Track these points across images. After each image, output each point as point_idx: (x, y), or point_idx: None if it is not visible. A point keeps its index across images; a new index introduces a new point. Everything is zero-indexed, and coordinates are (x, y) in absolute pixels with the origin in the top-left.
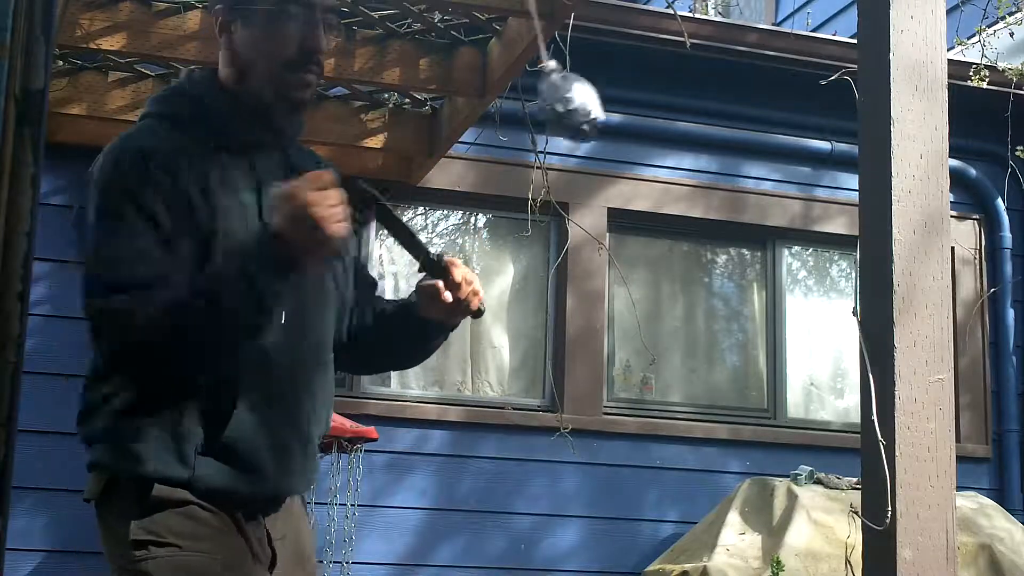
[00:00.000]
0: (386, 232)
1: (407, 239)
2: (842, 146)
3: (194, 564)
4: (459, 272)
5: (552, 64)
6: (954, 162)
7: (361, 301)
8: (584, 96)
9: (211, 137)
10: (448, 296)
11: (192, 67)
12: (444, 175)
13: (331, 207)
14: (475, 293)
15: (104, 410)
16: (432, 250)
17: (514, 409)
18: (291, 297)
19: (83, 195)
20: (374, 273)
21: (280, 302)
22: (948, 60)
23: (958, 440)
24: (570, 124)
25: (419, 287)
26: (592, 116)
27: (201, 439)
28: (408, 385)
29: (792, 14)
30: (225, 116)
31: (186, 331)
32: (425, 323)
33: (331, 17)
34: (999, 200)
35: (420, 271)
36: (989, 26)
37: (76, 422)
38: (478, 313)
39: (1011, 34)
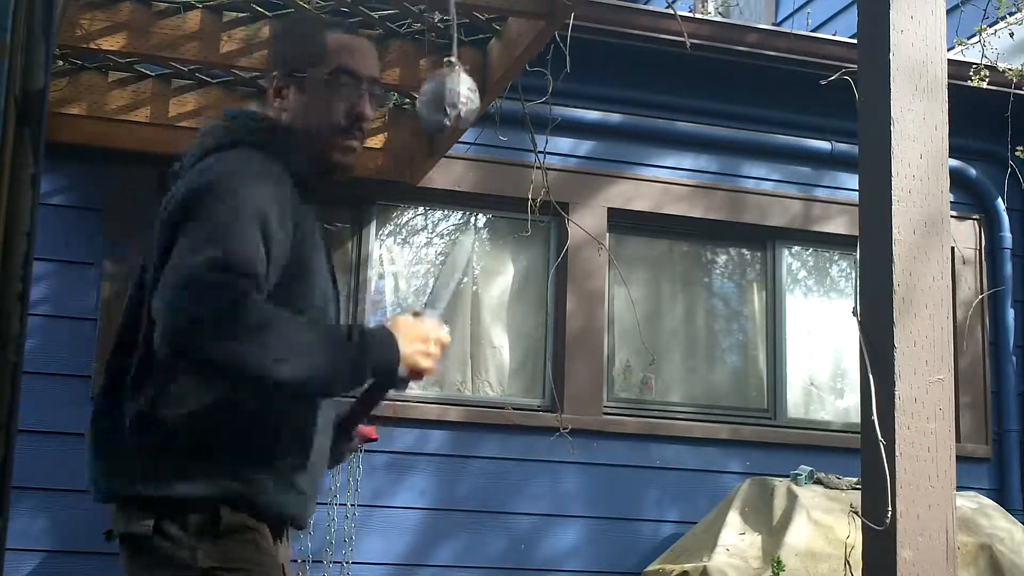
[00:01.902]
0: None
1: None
2: (842, 146)
3: None
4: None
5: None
6: (954, 162)
7: None
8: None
9: (293, 175)
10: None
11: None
12: (444, 175)
13: (436, 354)
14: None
15: (166, 442)
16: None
17: (514, 409)
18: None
19: (187, 208)
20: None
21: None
22: (948, 60)
23: (958, 440)
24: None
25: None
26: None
27: (277, 463)
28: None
29: (792, 14)
30: (299, 159)
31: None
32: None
33: (376, 87)
34: (999, 200)
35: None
36: (989, 26)
37: (140, 460)
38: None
39: (1011, 34)
